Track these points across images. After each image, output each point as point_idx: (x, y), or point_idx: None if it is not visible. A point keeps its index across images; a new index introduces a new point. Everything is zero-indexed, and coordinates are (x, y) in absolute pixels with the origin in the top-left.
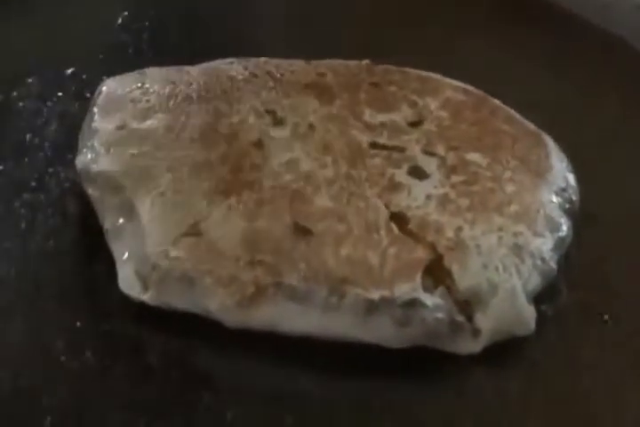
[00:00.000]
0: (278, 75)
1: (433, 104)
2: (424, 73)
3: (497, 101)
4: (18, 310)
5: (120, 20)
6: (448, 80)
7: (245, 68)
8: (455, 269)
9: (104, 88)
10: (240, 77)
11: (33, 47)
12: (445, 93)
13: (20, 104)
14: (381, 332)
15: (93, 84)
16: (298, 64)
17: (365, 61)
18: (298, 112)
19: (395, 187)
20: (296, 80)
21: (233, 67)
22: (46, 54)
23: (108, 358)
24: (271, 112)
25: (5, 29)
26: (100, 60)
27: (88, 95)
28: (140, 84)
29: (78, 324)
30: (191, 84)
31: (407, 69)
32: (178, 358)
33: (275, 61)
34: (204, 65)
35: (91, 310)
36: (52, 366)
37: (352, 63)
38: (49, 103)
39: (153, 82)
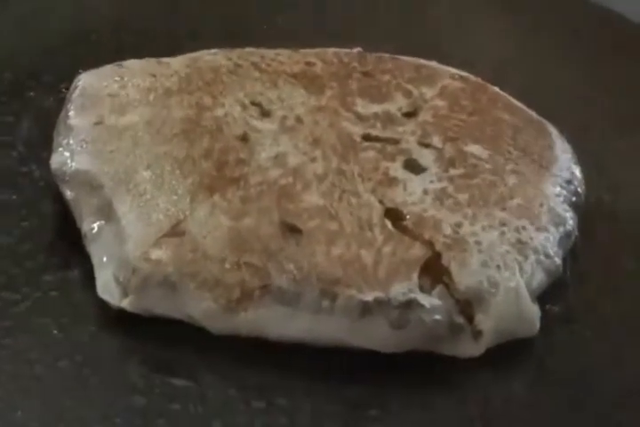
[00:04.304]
0: (264, 65)
1: (429, 93)
2: (419, 60)
3: (496, 89)
4: None
5: (97, 11)
6: (444, 67)
7: (229, 59)
8: (454, 267)
9: (80, 82)
10: (224, 69)
11: (4, 39)
12: (442, 82)
13: None
14: (377, 336)
15: (69, 78)
16: (285, 53)
17: (357, 49)
18: (285, 104)
19: (389, 182)
20: (283, 70)
21: (216, 58)
22: (19, 46)
23: (85, 369)
24: (257, 104)
25: None
26: (76, 53)
27: (64, 90)
28: (117, 78)
29: (54, 332)
30: (172, 76)
31: (401, 57)
32: (160, 368)
33: (260, 51)
34: (186, 56)
35: (67, 317)
36: (26, 377)
37: (342, 52)
38: (22, 98)
39: (132, 75)
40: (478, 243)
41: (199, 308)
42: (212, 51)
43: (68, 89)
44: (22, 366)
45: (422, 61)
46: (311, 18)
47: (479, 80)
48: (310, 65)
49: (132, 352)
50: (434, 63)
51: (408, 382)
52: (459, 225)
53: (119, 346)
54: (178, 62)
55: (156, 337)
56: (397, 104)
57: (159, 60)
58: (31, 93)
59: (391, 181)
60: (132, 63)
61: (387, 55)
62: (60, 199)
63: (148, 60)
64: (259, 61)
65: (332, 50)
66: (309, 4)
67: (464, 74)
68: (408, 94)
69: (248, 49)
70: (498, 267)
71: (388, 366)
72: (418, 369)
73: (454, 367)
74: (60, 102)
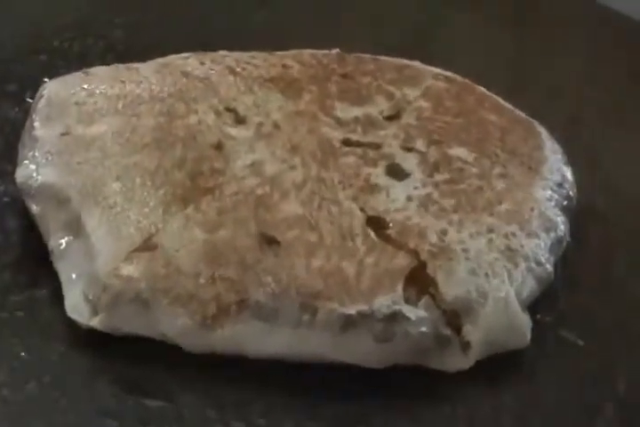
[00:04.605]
0: (239, 69)
1: (412, 94)
2: (401, 61)
3: (482, 89)
4: None
5: (60, 16)
6: (428, 67)
7: (202, 63)
8: (440, 276)
9: (45, 91)
10: (196, 73)
11: None
12: (425, 82)
13: None
14: (360, 350)
15: (34, 87)
16: (260, 56)
17: (335, 50)
18: (261, 109)
19: (371, 188)
20: (258, 74)
21: (188, 62)
22: None
23: (55, 391)
24: (232, 110)
25: None
26: (42, 60)
27: (28, 99)
28: (85, 86)
29: (22, 354)
30: (141, 82)
31: (382, 58)
32: (133, 388)
33: (235, 54)
34: (156, 61)
35: (35, 338)
36: None
37: (320, 53)
38: None
39: (99, 82)
40: (465, 251)
41: (173, 325)
42: (184, 55)
43: (33, 98)
44: None
45: (404, 62)
46: (286, 19)
47: (465, 80)
48: (287, 68)
49: (103, 373)
50: (417, 63)
51: (394, 398)
52: (444, 232)
53: (89, 367)
54: (148, 68)
55: (128, 356)
56: (379, 107)
57: (128, 66)
58: None
59: (373, 188)
60: (100, 70)
61: (367, 56)
62: (26, 214)
63: (117, 66)
64: (233, 65)
65: (309, 51)
66: (283, 4)
67: (448, 74)
68: (390, 96)
69: (221, 52)
70: (486, 275)
71: (372, 380)
72: (404, 383)
73: (442, 381)
74: (26, 113)
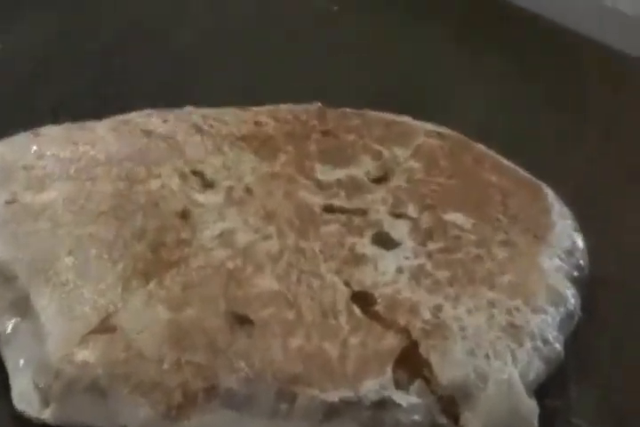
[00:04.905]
0: (206, 126)
1: (401, 154)
2: (389, 116)
3: (480, 146)
4: None
5: (8, 67)
6: (419, 123)
7: (165, 121)
8: (434, 358)
9: None
10: (159, 131)
11: None
12: (416, 140)
13: None
14: None
15: None
16: (230, 112)
17: (316, 104)
18: (232, 172)
19: (356, 260)
20: (228, 132)
21: (150, 120)
22: None
23: None
24: (199, 173)
25: None
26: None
27: None
28: (34, 148)
29: None
30: (97, 143)
31: (368, 112)
32: None
33: (202, 111)
34: (114, 119)
35: None
36: None
37: (299, 108)
38: None
39: (50, 143)
40: (463, 328)
41: (134, 416)
42: (145, 112)
43: None
44: None
45: (393, 117)
46: (260, 70)
47: (461, 136)
48: (260, 125)
49: None
50: (407, 118)
51: None
52: (439, 308)
53: None
54: (104, 126)
55: None
56: (364, 168)
57: (81, 125)
58: None
59: (359, 260)
60: (51, 130)
61: (351, 110)
62: None
63: (69, 125)
64: (200, 123)
65: (285, 106)
66: (256, 53)
67: (442, 130)
68: (377, 156)
69: (187, 108)
70: (487, 356)
71: None
72: None
73: None
74: None
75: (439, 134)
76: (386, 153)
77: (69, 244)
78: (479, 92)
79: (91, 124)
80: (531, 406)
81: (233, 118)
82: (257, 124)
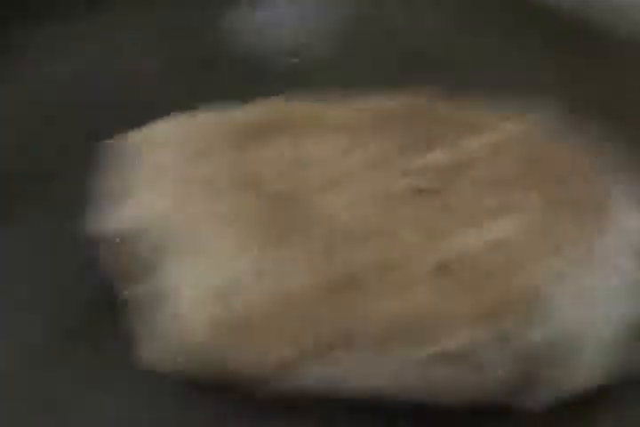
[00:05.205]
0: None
1: (478, 140)
2: (469, 103)
3: (548, 128)
4: (27, 387)
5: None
6: (495, 108)
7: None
8: (514, 321)
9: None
10: (264, 119)
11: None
12: (493, 126)
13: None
14: (435, 389)
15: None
16: (329, 100)
17: (405, 93)
18: (330, 159)
19: (442, 233)
20: (327, 121)
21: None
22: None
23: None
24: (301, 159)
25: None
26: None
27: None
28: (183, 129)
29: (95, 399)
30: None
31: (451, 99)
32: None
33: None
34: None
35: (109, 386)
36: None
37: (388, 97)
38: (65, 152)
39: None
40: (544, 293)
41: (248, 371)
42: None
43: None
44: None
45: (473, 102)
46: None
47: (533, 121)
48: (355, 112)
49: (182, 421)
50: (485, 103)
51: None
52: (522, 274)
53: (167, 415)
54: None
55: (208, 404)
56: (445, 155)
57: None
58: (72, 149)
59: (444, 233)
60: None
61: (438, 96)
62: (100, 261)
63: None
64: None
65: (377, 95)
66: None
67: (517, 115)
68: (456, 142)
69: (280, 98)
70: (562, 318)
71: (447, 419)
72: (484, 422)
73: (525, 421)
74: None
75: (513, 119)
76: (464, 140)
77: (197, 216)
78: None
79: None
80: (610, 363)
81: (330, 108)
82: (352, 111)
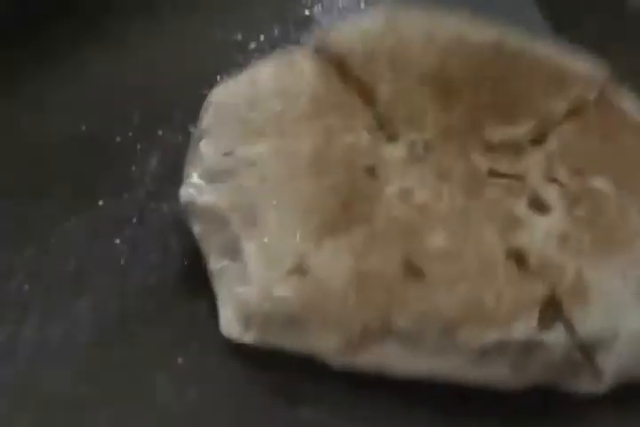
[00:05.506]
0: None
1: (558, 110)
2: (553, 58)
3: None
4: (116, 345)
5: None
6: (581, 67)
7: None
8: (575, 313)
9: (212, 99)
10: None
11: (135, 80)
12: (573, 90)
13: (119, 138)
14: (496, 374)
15: (196, 117)
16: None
17: (494, 37)
18: (414, 124)
19: (513, 221)
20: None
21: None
22: (147, 86)
23: (209, 398)
24: (386, 123)
25: (103, 63)
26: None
27: (191, 130)
28: (250, 97)
29: (181, 362)
30: (303, 93)
31: (538, 53)
32: (287, 398)
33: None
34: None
35: (193, 348)
36: (151, 405)
37: (477, 43)
38: (151, 136)
39: (263, 92)
40: (601, 289)
41: (321, 345)
42: None
43: (195, 128)
44: (148, 394)
45: (558, 57)
46: None
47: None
48: (445, 62)
49: (255, 383)
50: (572, 60)
51: (524, 421)
52: (581, 270)
53: (243, 376)
54: (311, 70)
55: (280, 368)
56: (525, 127)
57: (291, 63)
58: (160, 132)
59: (515, 221)
60: (264, 72)
61: (524, 50)
62: (187, 235)
63: (277, 61)
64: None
65: (466, 39)
66: None
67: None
68: (536, 113)
69: None
70: (621, 312)
71: (506, 402)
72: (535, 408)
73: (571, 407)
74: (188, 140)
75: (590, 83)
76: (544, 109)
77: (274, 198)
78: None
79: (299, 65)
80: None
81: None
82: (441, 59)
